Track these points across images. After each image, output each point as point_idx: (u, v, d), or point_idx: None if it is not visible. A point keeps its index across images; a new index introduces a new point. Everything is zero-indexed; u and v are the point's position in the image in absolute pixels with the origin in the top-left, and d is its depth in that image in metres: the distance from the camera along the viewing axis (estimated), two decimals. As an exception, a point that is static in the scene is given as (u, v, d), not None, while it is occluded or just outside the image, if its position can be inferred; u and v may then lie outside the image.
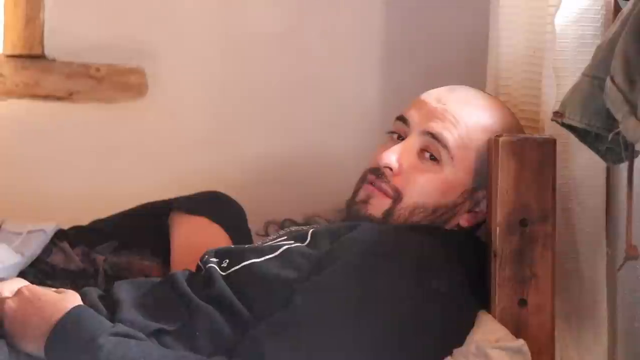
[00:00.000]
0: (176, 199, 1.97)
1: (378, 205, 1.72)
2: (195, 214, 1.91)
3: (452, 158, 1.71)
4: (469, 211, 1.73)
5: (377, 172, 1.74)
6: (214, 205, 1.94)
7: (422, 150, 1.73)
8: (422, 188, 1.71)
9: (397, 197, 1.71)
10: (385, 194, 1.72)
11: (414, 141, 1.74)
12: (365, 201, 1.74)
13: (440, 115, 1.72)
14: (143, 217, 1.99)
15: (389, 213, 1.71)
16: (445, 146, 1.71)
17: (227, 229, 1.90)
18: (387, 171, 1.73)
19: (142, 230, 1.96)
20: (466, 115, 1.72)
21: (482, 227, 1.75)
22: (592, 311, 1.70)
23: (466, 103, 1.74)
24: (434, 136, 1.71)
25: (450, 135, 1.71)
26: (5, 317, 1.56)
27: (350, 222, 1.72)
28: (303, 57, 2.31)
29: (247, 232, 1.95)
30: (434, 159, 1.72)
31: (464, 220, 1.73)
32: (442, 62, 2.24)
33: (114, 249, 1.94)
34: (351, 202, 1.77)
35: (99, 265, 1.89)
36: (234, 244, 1.86)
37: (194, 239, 1.89)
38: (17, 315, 1.55)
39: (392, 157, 1.73)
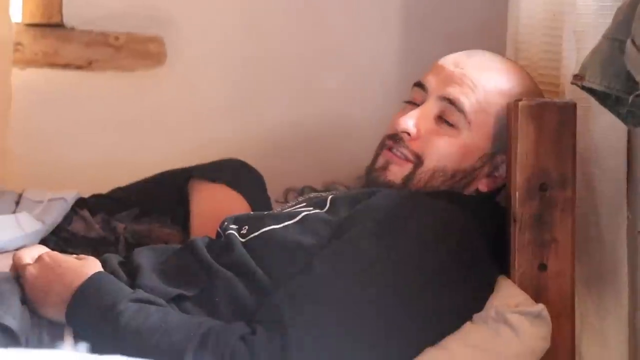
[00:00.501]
0: (196, 167, 1.97)
1: (397, 171, 1.72)
2: (215, 181, 1.92)
3: (469, 123, 1.70)
4: (488, 176, 1.73)
5: (395, 138, 1.74)
6: (234, 173, 1.94)
7: (439, 116, 1.73)
8: (441, 152, 1.71)
9: (418, 161, 1.72)
10: (406, 159, 1.72)
11: (431, 106, 1.73)
12: (385, 167, 1.74)
13: (458, 80, 1.72)
14: (163, 184, 1.99)
15: (408, 178, 1.72)
16: (462, 111, 1.70)
17: (246, 196, 1.90)
18: (405, 136, 1.73)
19: (162, 197, 1.97)
20: (484, 80, 1.72)
21: (501, 192, 1.74)
22: (613, 275, 1.69)
23: (485, 67, 1.74)
24: (451, 101, 1.71)
25: (467, 100, 1.70)
26: (27, 283, 1.57)
27: (369, 188, 1.72)
28: (321, 25, 2.30)
29: (267, 199, 1.95)
30: (451, 124, 1.71)
31: (482, 185, 1.73)
32: (460, 28, 2.23)
33: (134, 217, 1.95)
34: (370, 169, 1.77)
35: (119, 233, 1.90)
36: (253, 211, 1.86)
37: (214, 206, 1.89)
38: (38, 281, 1.56)
39: (409, 122, 1.72)
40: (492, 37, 2.00)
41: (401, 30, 2.30)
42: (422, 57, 2.08)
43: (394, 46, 2.30)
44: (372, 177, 1.75)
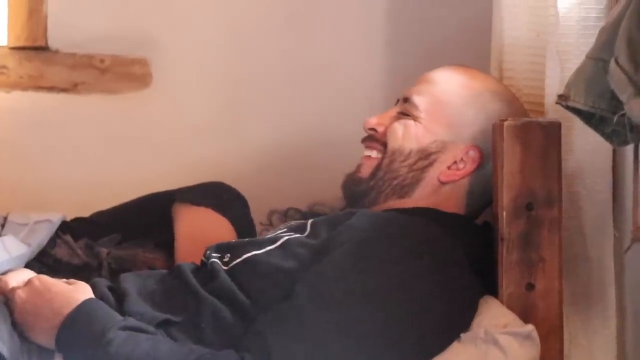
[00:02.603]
0: (179, 190, 1.97)
1: (366, 168, 1.79)
2: (199, 205, 1.91)
3: (423, 111, 1.77)
4: (449, 168, 1.74)
5: (366, 138, 1.82)
6: (218, 196, 1.93)
7: (400, 112, 1.80)
8: (399, 133, 1.76)
9: (384, 149, 1.78)
10: (375, 148, 1.79)
11: (394, 108, 1.82)
12: (357, 169, 1.81)
13: (420, 80, 1.80)
14: (146, 208, 1.98)
15: (375, 171, 1.77)
16: (415, 106, 1.77)
17: (232, 219, 1.90)
18: (373, 132, 1.80)
19: (145, 222, 1.96)
20: (446, 76, 1.79)
21: (482, 212, 1.75)
22: (600, 294, 1.70)
23: (451, 68, 1.80)
24: (406, 99, 1.79)
25: (421, 94, 1.77)
26: (16, 307, 1.56)
27: (348, 210, 1.73)
28: (306, 43, 2.31)
29: (250, 222, 1.95)
30: (407, 114, 1.78)
31: (443, 175, 1.74)
32: (445, 46, 2.24)
33: (117, 242, 1.94)
34: (346, 176, 1.82)
35: (102, 259, 1.89)
36: (238, 234, 1.86)
37: (198, 230, 1.88)
38: (28, 306, 1.56)
39: (372, 120, 1.81)
40: (477, 56, 2.01)
41: (385, 48, 2.30)
42: (406, 74, 2.09)
43: (378, 64, 2.31)
44: (346, 183, 1.81)
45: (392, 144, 1.76)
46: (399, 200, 1.75)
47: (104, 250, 1.89)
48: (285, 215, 1.99)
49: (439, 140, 1.74)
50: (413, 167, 1.74)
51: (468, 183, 1.74)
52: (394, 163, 1.76)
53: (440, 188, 1.74)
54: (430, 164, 1.74)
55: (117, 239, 1.94)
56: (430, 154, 1.74)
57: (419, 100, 1.77)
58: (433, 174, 1.74)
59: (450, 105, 1.76)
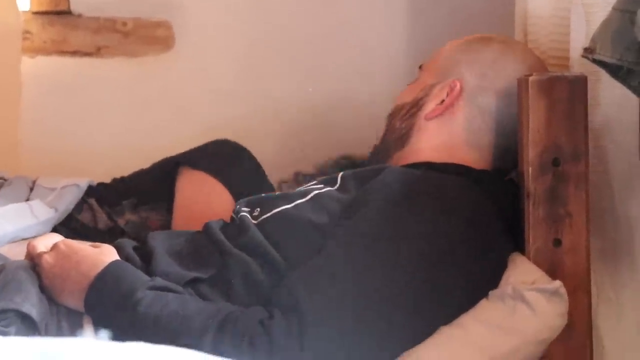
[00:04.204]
0: (185, 153, 1.97)
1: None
2: (195, 168, 1.90)
3: (422, 68, 1.82)
4: (440, 104, 1.75)
5: None
6: (216, 158, 1.92)
7: None
8: (400, 96, 1.82)
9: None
10: None
11: None
12: None
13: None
14: (159, 172, 1.99)
15: (383, 134, 1.82)
16: (421, 66, 1.83)
17: (225, 182, 1.87)
18: None
19: (158, 186, 1.96)
20: (451, 41, 1.81)
21: (513, 169, 1.74)
22: (628, 248, 1.68)
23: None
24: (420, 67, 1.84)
25: (429, 58, 1.81)
26: (44, 271, 1.57)
27: (377, 165, 1.73)
28: (329, 5, 2.30)
29: (260, 182, 1.93)
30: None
31: (430, 112, 1.75)
32: (468, 8, 2.22)
33: (132, 207, 1.95)
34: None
35: (120, 225, 1.90)
36: (234, 197, 1.86)
37: (192, 195, 1.88)
38: (55, 270, 1.57)
39: None
40: (500, 15, 2.00)
41: (410, 11, 2.29)
42: (430, 37, 2.09)
43: (402, 26, 2.29)
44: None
45: (394, 106, 1.81)
46: (401, 151, 1.77)
47: (122, 216, 1.91)
48: (312, 176, 1.99)
49: (427, 86, 1.77)
50: (405, 117, 1.77)
51: (463, 119, 1.74)
52: (393, 121, 1.80)
53: (432, 127, 1.75)
54: (419, 109, 1.77)
55: (133, 204, 1.95)
56: (419, 100, 1.77)
57: (424, 64, 1.82)
58: (422, 116, 1.76)
59: (442, 54, 1.80)
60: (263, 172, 1.94)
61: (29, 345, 0.97)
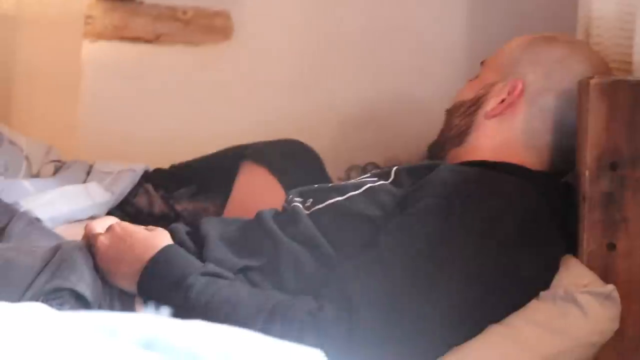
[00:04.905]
0: (250, 145, 1.97)
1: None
2: (259, 164, 1.91)
3: (484, 65, 1.80)
4: (502, 102, 1.74)
5: None
6: (280, 157, 1.92)
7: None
8: (460, 92, 1.81)
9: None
10: None
11: None
12: None
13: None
14: (220, 162, 1.99)
15: (441, 130, 1.81)
16: (482, 62, 1.81)
17: (283, 181, 1.87)
18: None
19: (218, 175, 1.97)
20: (514, 39, 1.79)
21: (570, 172, 1.73)
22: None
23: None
24: (482, 63, 1.82)
25: (491, 56, 1.79)
26: (98, 253, 1.59)
27: (432, 161, 1.73)
28: (389, 1, 2.29)
29: (321, 182, 1.93)
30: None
31: (490, 111, 1.74)
32: (530, 7, 2.21)
33: (190, 195, 1.96)
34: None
35: (178, 211, 1.91)
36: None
37: (250, 190, 1.89)
38: (110, 252, 1.58)
39: None
40: (562, 18, 1.98)
41: (469, 8, 2.28)
42: (488, 35, 2.08)
43: (462, 24, 2.29)
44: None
45: (454, 103, 1.80)
46: (458, 148, 1.77)
47: (179, 203, 1.92)
48: (364, 170, 1.98)
49: (488, 84, 1.76)
50: (464, 114, 1.77)
51: (523, 119, 1.73)
52: (451, 118, 1.79)
53: (491, 126, 1.74)
54: (479, 107, 1.76)
55: (192, 192, 1.96)
56: (479, 98, 1.76)
57: (486, 60, 1.80)
58: (481, 114, 1.75)
59: (505, 52, 1.78)
60: (329, 179, 1.93)
61: (85, 319, 0.98)
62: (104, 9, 2.28)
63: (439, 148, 1.81)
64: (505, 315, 1.53)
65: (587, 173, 1.60)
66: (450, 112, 1.81)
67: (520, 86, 1.72)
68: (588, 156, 1.60)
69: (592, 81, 1.60)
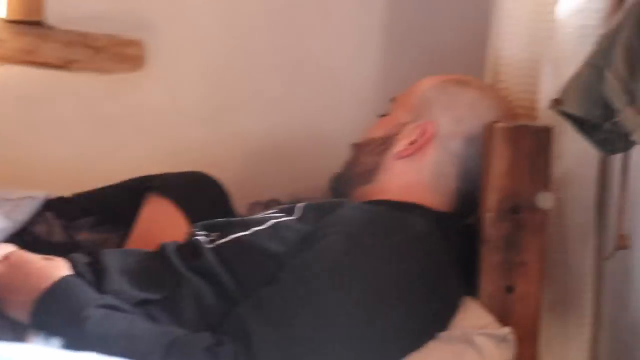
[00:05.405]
0: (155, 176, 1.95)
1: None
2: (163, 196, 1.88)
3: (395, 102, 1.82)
4: (411, 144, 1.75)
5: None
6: (185, 189, 1.90)
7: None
8: (370, 131, 1.83)
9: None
10: None
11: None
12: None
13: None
14: (123, 192, 1.96)
15: (346, 164, 1.83)
16: (393, 99, 1.83)
17: (189, 214, 1.86)
18: None
19: (121, 206, 1.94)
20: (426, 79, 1.81)
21: (473, 213, 1.75)
22: (577, 301, 1.69)
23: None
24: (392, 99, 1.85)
25: (402, 94, 1.82)
26: (-7, 280, 1.55)
27: (337, 199, 1.73)
28: (301, 36, 2.30)
29: (227, 216, 1.91)
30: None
31: (400, 151, 1.76)
32: (441, 47, 2.23)
33: (91, 225, 1.93)
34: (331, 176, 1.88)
35: (77, 240, 1.88)
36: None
37: (153, 222, 1.86)
38: (4, 280, 1.55)
39: None
40: (473, 58, 2.01)
41: (382, 45, 2.30)
42: (399, 74, 2.09)
43: (374, 60, 2.30)
44: (330, 180, 1.87)
45: (363, 140, 1.81)
46: (365, 186, 1.78)
47: (78, 233, 1.89)
48: (267, 206, 1.97)
49: (399, 124, 1.78)
50: (373, 152, 1.78)
51: (432, 162, 1.74)
52: (359, 154, 1.81)
53: (399, 166, 1.76)
54: (388, 147, 1.78)
55: (93, 222, 1.93)
56: (389, 137, 1.78)
57: (397, 98, 1.81)
58: (390, 154, 1.76)
59: (417, 91, 1.80)
60: (234, 213, 1.92)
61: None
62: (14, 32, 2.24)
63: (344, 183, 1.81)
64: (402, 357, 1.53)
65: (488, 216, 1.62)
66: (358, 148, 1.82)
67: (431, 129, 1.74)
68: (490, 199, 1.62)
69: (497, 126, 1.63)
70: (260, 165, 2.27)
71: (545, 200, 1.59)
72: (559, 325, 1.70)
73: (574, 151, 1.68)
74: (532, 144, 1.62)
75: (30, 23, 2.26)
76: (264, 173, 2.26)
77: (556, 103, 1.49)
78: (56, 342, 1.42)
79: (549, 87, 1.69)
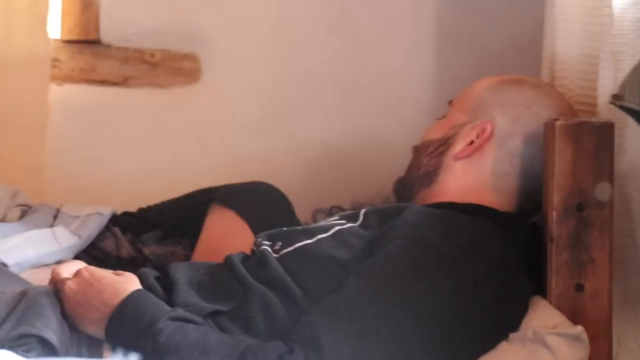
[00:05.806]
0: (219, 188, 1.96)
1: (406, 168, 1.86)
2: (228, 207, 1.90)
3: (452, 104, 1.83)
4: (470, 144, 1.76)
5: None
6: (249, 200, 1.92)
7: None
8: (429, 132, 1.84)
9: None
10: None
11: None
12: None
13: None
14: (188, 205, 1.99)
15: (409, 168, 1.84)
16: (450, 102, 1.83)
17: (252, 225, 1.87)
18: None
19: (186, 219, 1.96)
20: (482, 79, 1.82)
21: (536, 213, 1.74)
22: (650, 297, 1.69)
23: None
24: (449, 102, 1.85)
25: (459, 96, 1.82)
26: (66, 298, 1.57)
27: (400, 203, 1.73)
28: (355, 43, 2.31)
29: (290, 224, 1.92)
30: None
31: (459, 152, 1.76)
32: (494, 50, 2.23)
33: (158, 239, 1.95)
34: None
35: (144, 254, 1.90)
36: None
37: (219, 233, 1.88)
38: (77, 297, 1.57)
39: None
40: (529, 58, 2.00)
41: (435, 50, 2.30)
42: (454, 76, 2.09)
43: (427, 66, 2.31)
44: (393, 184, 1.88)
45: (422, 142, 1.82)
46: (427, 188, 1.79)
47: (145, 247, 1.91)
48: (329, 213, 1.98)
49: (457, 125, 1.78)
50: (433, 154, 1.78)
51: (491, 162, 1.74)
52: (419, 157, 1.81)
53: (459, 167, 1.76)
54: (448, 148, 1.78)
55: (159, 236, 1.95)
56: (447, 138, 1.78)
57: (454, 100, 1.82)
58: (450, 155, 1.76)
59: (473, 93, 1.80)
60: (297, 222, 1.93)
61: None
62: (71, 52, 2.28)
63: (407, 186, 1.82)
64: (476, 358, 1.52)
65: (554, 214, 1.61)
66: (418, 150, 1.82)
67: (489, 129, 1.74)
68: (555, 198, 1.61)
69: (558, 123, 1.62)
70: (321, 173, 2.28)
71: (603, 191, 1.57)
72: (632, 322, 1.69)
73: (638, 145, 1.66)
74: (594, 140, 1.61)
75: (86, 42, 2.29)
76: (325, 180, 2.27)
77: (617, 98, 1.48)
78: (134, 358, 1.43)
79: (607, 82, 1.68)
